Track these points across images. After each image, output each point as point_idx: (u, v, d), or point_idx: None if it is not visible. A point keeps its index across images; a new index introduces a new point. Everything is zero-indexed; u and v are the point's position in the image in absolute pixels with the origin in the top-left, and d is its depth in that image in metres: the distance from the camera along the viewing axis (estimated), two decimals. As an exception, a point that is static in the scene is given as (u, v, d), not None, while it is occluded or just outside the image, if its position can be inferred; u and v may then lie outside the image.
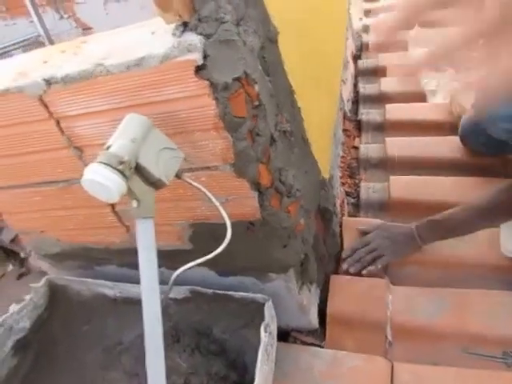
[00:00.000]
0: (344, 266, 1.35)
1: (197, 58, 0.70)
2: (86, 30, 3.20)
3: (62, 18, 3.21)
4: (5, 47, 3.18)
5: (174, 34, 0.72)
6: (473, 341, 1.13)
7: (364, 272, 1.31)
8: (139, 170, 0.66)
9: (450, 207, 1.44)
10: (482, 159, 1.58)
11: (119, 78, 0.73)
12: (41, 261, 1.28)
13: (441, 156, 1.66)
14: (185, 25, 0.73)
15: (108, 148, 0.64)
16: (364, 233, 1.42)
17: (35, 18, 2.91)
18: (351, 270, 1.33)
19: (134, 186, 0.65)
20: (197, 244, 1.03)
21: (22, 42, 3.18)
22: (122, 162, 0.62)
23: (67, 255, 1.20)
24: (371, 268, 1.31)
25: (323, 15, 1.53)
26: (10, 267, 1.93)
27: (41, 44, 3.02)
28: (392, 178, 1.64)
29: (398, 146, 1.78)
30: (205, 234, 0.99)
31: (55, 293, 1.24)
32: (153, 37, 0.76)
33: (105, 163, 0.61)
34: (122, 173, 0.61)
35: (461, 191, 1.50)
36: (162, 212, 0.97)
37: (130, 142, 0.65)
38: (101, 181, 0.60)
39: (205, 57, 0.71)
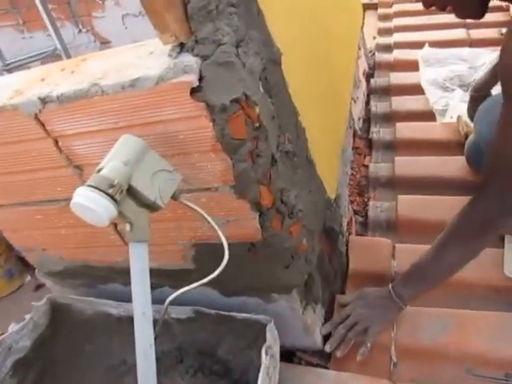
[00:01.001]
0: (327, 348, 1.18)
1: (192, 79, 0.69)
2: (105, 43, 3.24)
3: (80, 31, 3.26)
4: (22, 60, 3.22)
5: (170, 55, 0.72)
6: (475, 362, 1.11)
7: (358, 358, 1.16)
8: (132, 192, 0.65)
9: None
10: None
11: (114, 99, 0.73)
12: (44, 278, 1.28)
13: (448, 176, 1.64)
14: (181, 46, 0.73)
15: (99, 170, 0.64)
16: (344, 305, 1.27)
17: (52, 32, 2.95)
18: (338, 354, 1.17)
19: (127, 210, 0.64)
20: (200, 264, 1.02)
21: (39, 54, 3.22)
22: (112, 186, 0.61)
23: (70, 273, 1.20)
24: (363, 351, 1.16)
25: (333, 35, 1.52)
26: (28, 278, 1.94)
27: (58, 57, 3.06)
28: (400, 197, 1.62)
29: (407, 165, 1.76)
30: (207, 253, 0.98)
31: (57, 311, 1.23)
32: (150, 57, 0.76)
33: (93, 187, 0.60)
34: (111, 196, 0.61)
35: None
36: (164, 232, 0.96)
37: (122, 165, 0.64)
38: (89, 205, 0.60)
39: (201, 78, 0.71)
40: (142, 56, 0.76)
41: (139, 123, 0.75)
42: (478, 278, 1.29)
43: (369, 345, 1.16)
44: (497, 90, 1.58)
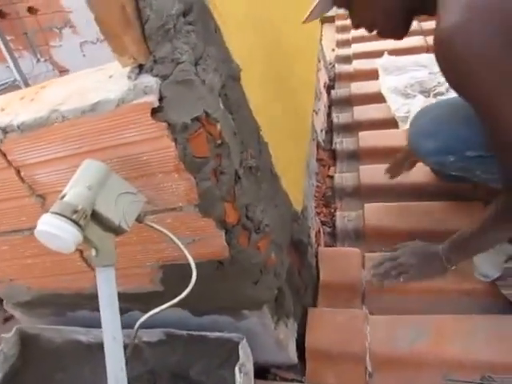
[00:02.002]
0: (368, 276, 1.37)
1: (153, 100, 0.69)
2: (63, 72, 3.21)
3: (39, 61, 3.23)
4: (-19, 93, 3.16)
5: (129, 77, 0.72)
6: (452, 367, 1.12)
7: (386, 282, 1.34)
8: (96, 217, 0.65)
9: (425, 232, 1.45)
10: (453, 184, 1.59)
11: (75, 124, 0.72)
12: (12, 310, 1.25)
13: (413, 182, 1.67)
14: (140, 67, 0.73)
15: (63, 197, 0.63)
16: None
17: (11, 63, 2.92)
18: (374, 279, 1.35)
19: (92, 234, 0.63)
20: (168, 285, 1.01)
21: (-2, 86, 3.16)
22: (76, 211, 0.60)
23: (38, 303, 1.17)
24: (394, 280, 1.33)
25: (291, 49, 1.55)
26: (-4, 311, 1.88)
27: (18, 88, 3.03)
28: (366, 205, 1.64)
29: (372, 173, 1.79)
30: (175, 274, 0.97)
31: (27, 342, 1.20)
32: (110, 80, 0.75)
33: (57, 213, 0.60)
34: (76, 222, 0.60)
35: (434, 216, 1.51)
36: (131, 255, 0.95)
37: (85, 190, 0.63)
38: (54, 232, 0.59)
39: (161, 98, 0.71)
40: (102, 80, 0.76)
41: (102, 147, 0.75)
42: (450, 282, 1.31)
43: (401, 280, 1.32)
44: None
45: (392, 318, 1.26)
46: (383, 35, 1.16)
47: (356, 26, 1.14)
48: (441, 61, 0.96)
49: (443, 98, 1.94)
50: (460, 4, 0.92)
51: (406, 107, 2.03)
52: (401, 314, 1.28)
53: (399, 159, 1.58)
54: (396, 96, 2.12)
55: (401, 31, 1.14)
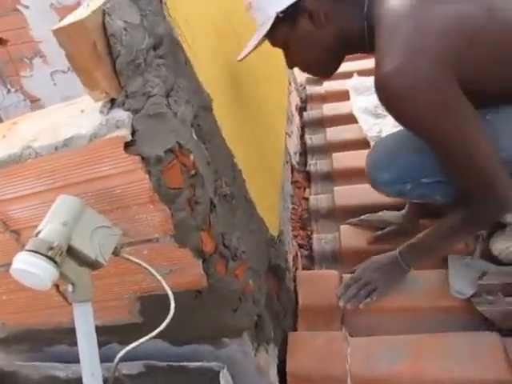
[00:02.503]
0: (340, 303, 1.37)
1: (125, 134, 0.70)
2: (35, 101, 3.19)
3: (9, 91, 3.20)
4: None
5: (101, 112, 0.73)
6: (430, 386, 1.13)
7: (361, 306, 1.35)
8: (72, 252, 0.64)
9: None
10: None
11: (49, 160, 0.72)
12: (-13, 348, 1.21)
13: (387, 202, 1.70)
14: (112, 101, 0.73)
15: (37, 234, 0.63)
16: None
17: (-19, 96, 2.90)
18: (348, 305, 1.35)
19: (68, 270, 0.63)
20: (147, 316, 1.00)
21: (-31, 119, 3.12)
22: (51, 248, 0.60)
23: (15, 339, 1.14)
24: (367, 301, 1.34)
25: (262, 75, 1.58)
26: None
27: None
28: (342, 227, 1.66)
29: (346, 194, 1.81)
30: (154, 305, 0.96)
31: (5, 380, 1.17)
32: (82, 115, 0.76)
33: (33, 251, 0.59)
34: (52, 259, 0.59)
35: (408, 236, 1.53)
36: (108, 287, 0.94)
37: (60, 226, 0.63)
38: (29, 270, 0.58)
39: (134, 132, 0.71)
40: (74, 115, 0.76)
41: (76, 181, 0.75)
42: (427, 300, 1.33)
43: (374, 298, 1.34)
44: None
45: (371, 339, 1.26)
46: (315, 73, 1.27)
47: (292, 65, 1.21)
48: (384, 103, 1.01)
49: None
50: (398, 47, 0.96)
51: (377, 127, 2.07)
52: (379, 334, 1.28)
53: (389, 234, 1.58)
54: (367, 116, 2.16)
55: (332, 71, 1.23)
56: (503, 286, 1.26)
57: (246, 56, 1.14)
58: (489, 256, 1.38)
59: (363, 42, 1.07)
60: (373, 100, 2.20)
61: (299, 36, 1.10)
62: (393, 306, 1.35)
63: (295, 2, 1.05)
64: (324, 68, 1.21)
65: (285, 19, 1.07)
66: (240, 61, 1.15)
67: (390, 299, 1.35)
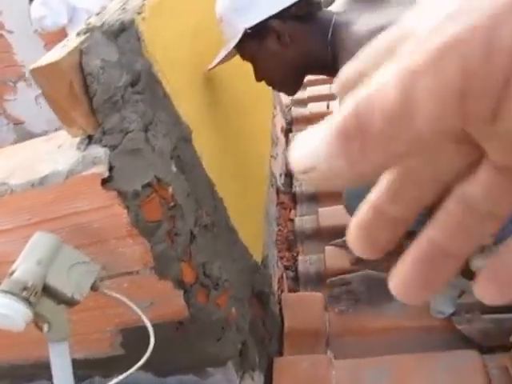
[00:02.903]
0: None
1: (102, 170, 0.70)
2: (18, 124, 3.19)
3: (-7, 116, 3.20)
4: None
5: (78, 148, 0.73)
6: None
7: (336, 310, 1.43)
8: (48, 290, 0.64)
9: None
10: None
11: (25, 196, 0.73)
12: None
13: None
14: (90, 138, 0.74)
15: (12, 273, 0.62)
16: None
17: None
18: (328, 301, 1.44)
19: (43, 310, 0.63)
20: (129, 349, 0.99)
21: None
22: (25, 288, 0.60)
23: (-6, 374, 1.12)
24: (342, 308, 1.42)
25: (244, 101, 1.59)
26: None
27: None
28: (327, 248, 1.67)
29: (330, 215, 1.82)
30: (136, 337, 0.95)
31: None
32: (59, 151, 0.76)
33: (6, 291, 0.59)
34: (26, 299, 0.59)
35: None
36: (89, 321, 0.93)
37: (35, 265, 0.63)
38: (3, 311, 0.58)
39: (111, 168, 0.72)
40: (51, 150, 0.77)
41: (53, 217, 0.75)
42: (409, 320, 1.34)
43: (350, 310, 1.42)
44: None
45: (356, 361, 1.27)
46: (279, 89, 1.29)
47: (259, 79, 1.24)
48: None
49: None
50: None
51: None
52: (364, 355, 1.29)
53: None
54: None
55: (296, 89, 1.24)
56: (480, 304, 1.28)
57: (215, 67, 1.17)
58: (469, 272, 1.40)
59: (327, 65, 1.10)
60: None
61: (265, 53, 1.14)
62: (375, 326, 1.35)
63: (263, 21, 1.08)
64: (287, 86, 1.24)
65: (253, 35, 1.10)
66: (209, 71, 1.19)
67: (373, 319, 1.36)
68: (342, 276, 1.47)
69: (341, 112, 0.19)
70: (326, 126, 0.19)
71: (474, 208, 0.22)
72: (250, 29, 1.09)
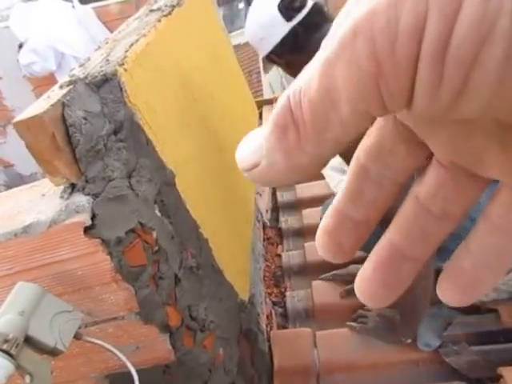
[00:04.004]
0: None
1: (85, 219, 0.72)
2: (9, 167, 3.20)
3: (-18, 158, 3.22)
4: None
5: (62, 197, 0.75)
6: None
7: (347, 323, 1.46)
8: (30, 342, 0.64)
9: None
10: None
11: (8, 246, 0.73)
12: None
13: (357, 255, 1.72)
14: (73, 186, 0.75)
15: (-7, 326, 0.63)
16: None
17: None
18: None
19: (25, 362, 0.63)
20: (115, 393, 0.98)
21: None
22: (6, 341, 0.60)
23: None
24: (354, 326, 1.43)
25: (228, 141, 1.62)
26: None
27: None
28: (314, 283, 1.67)
29: (316, 250, 1.83)
30: (122, 383, 0.95)
31: None
32: (42, 199, 0.77)
33: (-13, 345, 0.59)
34: (7, 352, 0.59)
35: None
36: (74, 368, 0.93)
37: (17, 316, 0.63)
38: (-16, 366, 0.58)
39: (94, 216, 0.73)
40: (34, 199, 0.78)
41: (35, 266, 0.75)
42: (397, 354, 1.34)
43: (357, 329, 1.42)
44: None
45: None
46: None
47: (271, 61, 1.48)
48: None
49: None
50: None
51: (343, 183, 2.11)
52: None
53: None
54: (333, 172, 2.21)
55: None
56: (467, 335, 1.29)
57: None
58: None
59: None
60: (337, 156, 2.27)
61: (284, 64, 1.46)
62: (365, 362, 1.35)
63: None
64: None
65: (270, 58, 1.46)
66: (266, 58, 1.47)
67: (362, 355, 1.36)
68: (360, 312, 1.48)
69: (277, 106, 0.19)
70: (268, 121, 0.20)
71: (427, 208, 0.22)
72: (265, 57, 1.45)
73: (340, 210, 0.24)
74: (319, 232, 0.25)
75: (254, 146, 0.20)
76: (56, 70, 2.66)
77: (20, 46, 2.67)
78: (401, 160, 0.22)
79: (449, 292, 0.23)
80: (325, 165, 0.20)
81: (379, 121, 0.23)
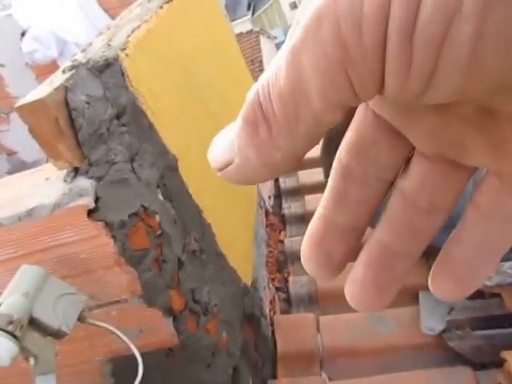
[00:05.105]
0: None
1: (88, 202, 0.72)
2: (12, 155, 3.21)
3: (-15, 146, 3.22)
4: None
5: (65, 180, 0.75)
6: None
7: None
8: (34, 323, 0.65)
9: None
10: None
11: (12, 230, 0.74)
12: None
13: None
14: (76, 170, 0.76)
15: (-2, 307, 0.63)
16: None
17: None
18: None
19: (29, 343, 0.63)
20: (119, 378, 0.99)
21: None
22: (11, 322, 0.61)
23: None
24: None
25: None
26: None
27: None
28: (317, 269, 1.68)
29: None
30: (126, 366, 0.95)
31: None
32: (46, 183, 0.78)
33: (-7, 326, 0.60)
34: (11, 334, 0.60)
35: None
36: (78, 351, 0.94)
37: (21, 298, 0.64)
38: (-12, 346, 0.59)
39: (97, 199, 0.73)
40: (38, 183, 0.78)
41: (39, 249, 0.76)
42: (401, 338, 1.34)
43: None
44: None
45: (350, 382, 1.27)
46: None
47: None
48: None
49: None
50: None
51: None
52: (358, 376, 1.29)
53: None
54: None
55: None
56: (470, 320, 1.29)
57: None
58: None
59: None
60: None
61: None
62: (368, 347, 1.36)
63: None
64: None
65: None
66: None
67: (366, 340, 1.36)
68: None
69: (246, 100, 0.18)
70: (238, 116, 0.19)
71: (414, 202, 0.21)
72: None
73: (325, 215, 0.23)
74: (304, 243, 0.24)
75: (225, 143, 0.19)
76: (58, 58, 2.65)
77: (23, 34, 2.66)
78: (384, 154, 0.21)
79: (442, 284, 0.22)
80: (301, 159, 0.19)
81: (358, 115, 0.22)
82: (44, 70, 2.71)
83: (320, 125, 0.17)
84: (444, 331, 1.30)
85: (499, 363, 1.21)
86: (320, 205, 0.23)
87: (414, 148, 0.21)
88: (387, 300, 0.23)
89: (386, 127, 0.21)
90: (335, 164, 0.23)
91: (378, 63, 0.15)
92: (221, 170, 0.20)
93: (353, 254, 0.23)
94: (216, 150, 0.20)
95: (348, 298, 0.23)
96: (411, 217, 0.22)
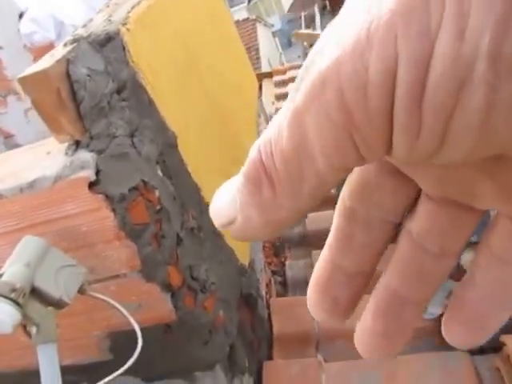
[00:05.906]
0: None
1: (89, 174, 0.72)
2: (9, 137, 3.20)
3: (-18, 129, 3.20)
4: None
5: (66, 153, 0.75)
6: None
7: None
8: (36, 293, 0.66)
9: (376, 274, 1.50)
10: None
11: (14, 201, 0.74)
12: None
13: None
14: (77, 143, 0.76)
15: (0, 276, 0.64)
16: None
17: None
18: None
19: (31, 312, 0.64)
20: (117, 353, 1.00)
21: None
22: (14, 290, 0.61)
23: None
24: None
25: (229, 108, 1.62)
26: None
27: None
28: (314, 252, 1.69)
29: (317, 220, 1.84)
30: (124, 341, 0.96)
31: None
32: (47, 157, 0.78)
33: (-5, 293, 0.60)
34: (14, 301, 0.61)
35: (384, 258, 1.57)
36: (77, 325, 0.94)
37: (23, 267, 0.65)
38: (-8, 312, 0.59)
39: (98, 172, 0.74)
40: (39, 157, 0.78)
41: (41, 221, 0.76)
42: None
43: None
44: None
45: (346, 363, 1.28)
46: None
47: None
48: None
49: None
50: None
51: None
52: (354, 358, 1.30)
53: None
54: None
55: None
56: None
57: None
58: (456, 274, 1.42)
59: None
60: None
61: None
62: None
63: None
64: None
65: None
66: None
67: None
68: None
69: (248, 158, 0.18)
70: (240, 173, 0.18)
71: (423, 246, 0.21)
72: None
73: (330, 260, 0.22)
74: (310, 288, 0.23)
75: (227, 199, 0.19)
76: (56, 40, 2.64)
77: (20, 16, 2.64)
78: (388, 198, 0.21)
79: (454, 331, 0.22)
80: (304, 215, 0.18)
81: None
82: (42, 52, 2.67)
83: (325, 184, 0.17)
84: (442, 315, 1.31)
85: (497, 348, 1.22)
86: (326, 244, 0.23)
87: (420, 189, 0.20)
88: (398, 347, 0.23)
89: (390, 170, 0.20)
90: (339, 204, 0.22)
91: (385, 127, 0.15)
92: (224, 227, 0.19)
93: (361, 299, 0.23)
94: (218, 206, 0.19)
95: (358, 346, 0.23)
96: (420, 261, 0.21)
